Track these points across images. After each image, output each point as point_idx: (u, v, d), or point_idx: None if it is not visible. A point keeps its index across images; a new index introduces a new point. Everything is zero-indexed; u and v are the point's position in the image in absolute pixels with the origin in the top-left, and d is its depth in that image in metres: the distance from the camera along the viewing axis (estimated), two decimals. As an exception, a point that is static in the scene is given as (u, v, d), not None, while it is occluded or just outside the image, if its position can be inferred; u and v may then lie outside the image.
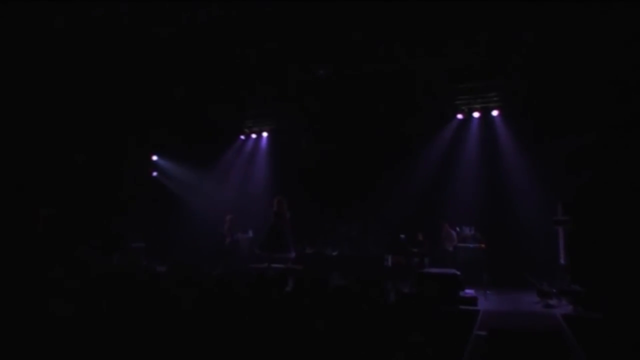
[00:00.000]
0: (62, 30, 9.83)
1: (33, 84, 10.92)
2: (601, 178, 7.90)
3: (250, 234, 13.40)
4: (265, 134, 14.48)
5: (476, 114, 11.72)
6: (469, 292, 8.42)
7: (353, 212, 12.63)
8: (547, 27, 8.80)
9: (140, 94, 12.49)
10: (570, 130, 9.13)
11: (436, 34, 9.59)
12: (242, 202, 14.06)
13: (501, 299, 8.45)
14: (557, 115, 9.60)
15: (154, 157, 15.22)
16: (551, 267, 9.06)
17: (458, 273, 7.39)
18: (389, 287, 7.43)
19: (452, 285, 7.15)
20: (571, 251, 8.17)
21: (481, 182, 11.19)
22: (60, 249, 9.66)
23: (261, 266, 9.91)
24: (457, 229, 10.77)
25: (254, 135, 14.63)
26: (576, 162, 8.76)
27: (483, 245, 10.25)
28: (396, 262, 11.30)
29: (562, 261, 8.77)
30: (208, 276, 7.66)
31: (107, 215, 12.52)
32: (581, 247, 7.69)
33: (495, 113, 11.49)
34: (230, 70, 11.61)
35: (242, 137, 14.71)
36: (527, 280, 8.60)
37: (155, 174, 15.23)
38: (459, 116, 11.89)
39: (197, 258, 11.75)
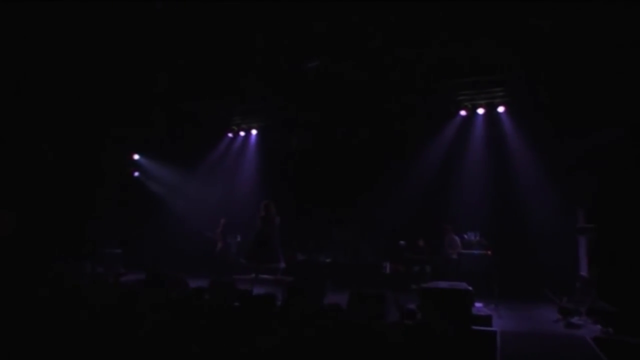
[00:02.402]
0: (34, 20, 9.08)
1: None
2: (629, 179, 7.03)
3: (239, 238, 12.57)
4: (254, 132, 13.62)
5: (480, 111, 10.91)
6: (479, 306, 7.59)
7: (348, 215, 11.85)
8: (563, 14, 7.99)
9: (120, 87, 11.57)
10: (589, 126, 8.25)
11: (435, 23, 8.83)
12: (229, 204, 13.20)
13: (516, 316, 7.58)
14: (573, 109, 8.73)
15: (136, 156, 14.35)
16: (568, 278, 8.23)
17: (470, 288, 6.50)
18: (391, 302, 6.62)
19: (463, 302, 6.27)
20: (597, 263, 7.30)
21: (487, 184, 10.43)
22: (24, 258, 8.73)
23: (248, 277, 9.00)
24: (465, 235, 9.92)
25: (242, 133, 13.74)
26: (597, 162, 7.89)
27: (489, 252, 9.46)
28: (395, 270, 10.60)
29: (583, 273, 7.92)
30: (185, 291, 6.84)
31: (81, 218, 11.54)
32: (609, 258, 6.81)
33: (501, 109, 10.69)
34: (217, 64, 10.79)
35: (230, 134, 13.81)
36: (545, 295, 7.75)
37: (136, 174, 14.35)
38: (462, 113, 11.08)
39: (179, 265, 10.87)
